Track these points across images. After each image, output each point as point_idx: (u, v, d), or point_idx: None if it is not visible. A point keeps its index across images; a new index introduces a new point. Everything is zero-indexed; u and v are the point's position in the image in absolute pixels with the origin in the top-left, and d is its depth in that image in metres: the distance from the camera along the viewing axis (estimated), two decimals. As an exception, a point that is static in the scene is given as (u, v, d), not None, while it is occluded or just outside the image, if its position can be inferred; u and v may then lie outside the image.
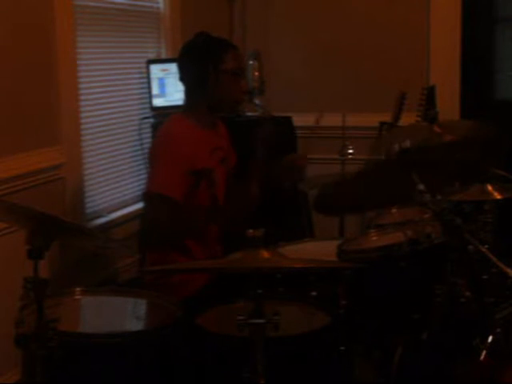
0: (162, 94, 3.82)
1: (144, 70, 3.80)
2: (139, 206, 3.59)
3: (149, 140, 3.68)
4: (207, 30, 2.95)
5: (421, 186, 2.05)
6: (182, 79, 2.94)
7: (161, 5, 3.99)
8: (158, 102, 3.81)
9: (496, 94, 4.61)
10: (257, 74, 4.30)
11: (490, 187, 2.70)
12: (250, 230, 1.87)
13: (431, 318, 2.44)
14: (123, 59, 3.73)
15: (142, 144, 3.72)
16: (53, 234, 1.91)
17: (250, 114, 4.25)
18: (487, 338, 2.24)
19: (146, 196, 2.84)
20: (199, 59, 2.85)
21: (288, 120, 4.23)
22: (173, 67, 3.46)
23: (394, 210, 3.08)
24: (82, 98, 3.36)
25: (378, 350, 2.59)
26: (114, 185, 3.67)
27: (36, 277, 1.85)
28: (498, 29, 4.56)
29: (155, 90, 3.81)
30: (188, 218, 2.79)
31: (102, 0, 3.53)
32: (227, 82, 2.86)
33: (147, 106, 3.83)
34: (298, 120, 4.26)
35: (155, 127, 3.62)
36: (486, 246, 2.33)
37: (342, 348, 2.24)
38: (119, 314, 2.34)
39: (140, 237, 2.74)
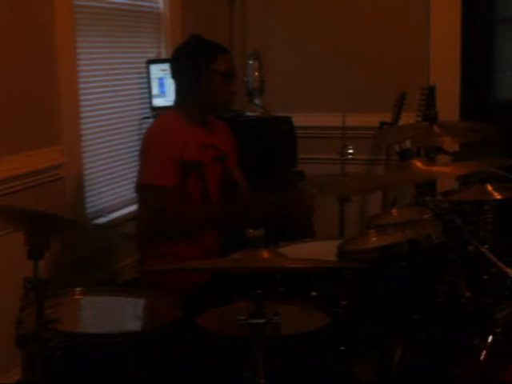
0: (162, 94, 3.82)
1: (144, 70, 3.80)
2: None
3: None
4: (207, 30, 3.00)
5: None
6: (174, 77, 3.02)
7: (161, 5, 3.99)
8: (157, 101, 3.81)
9: (496, 94, 4.61)
10: (257, 74, 4.30)
11: (489, 187, 2.69)
12: (250, 230, 1.87)
13: (431, 318, 2.43)
14: (123, 59, 3.73)
15: (141, 144, 3.71)
16: (52, 230, 1.91)
17: (249, 114, 4.25)
18: (487, 338, 2.24)
19: (139, 188, 2.87)
20: (193, 58, 2.93)
21: (288, 120, 4.22)
22: (173, 67, 3.46)
23: (393, 210, 3.08)
24: (82, 98, 3.36)
25: (377, 350, 2.58)
26: (114, 185, 3.67)
27: (36, 277, 1.85)
28: (498, 29, 4.56)
29: (155, 90, 3.81)
30: (186, 208, 2.84)
31: (102, 0, 3.53)
32: (218, 82, 2.94)
33: (147, 106, 3.83)
34: (298, 120, 4.26)
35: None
36: (486, 246, 2.33)
37: (342, 348, 2.24)
38: (119, 314, 2.34)
39: (138, 230, 2.81)
